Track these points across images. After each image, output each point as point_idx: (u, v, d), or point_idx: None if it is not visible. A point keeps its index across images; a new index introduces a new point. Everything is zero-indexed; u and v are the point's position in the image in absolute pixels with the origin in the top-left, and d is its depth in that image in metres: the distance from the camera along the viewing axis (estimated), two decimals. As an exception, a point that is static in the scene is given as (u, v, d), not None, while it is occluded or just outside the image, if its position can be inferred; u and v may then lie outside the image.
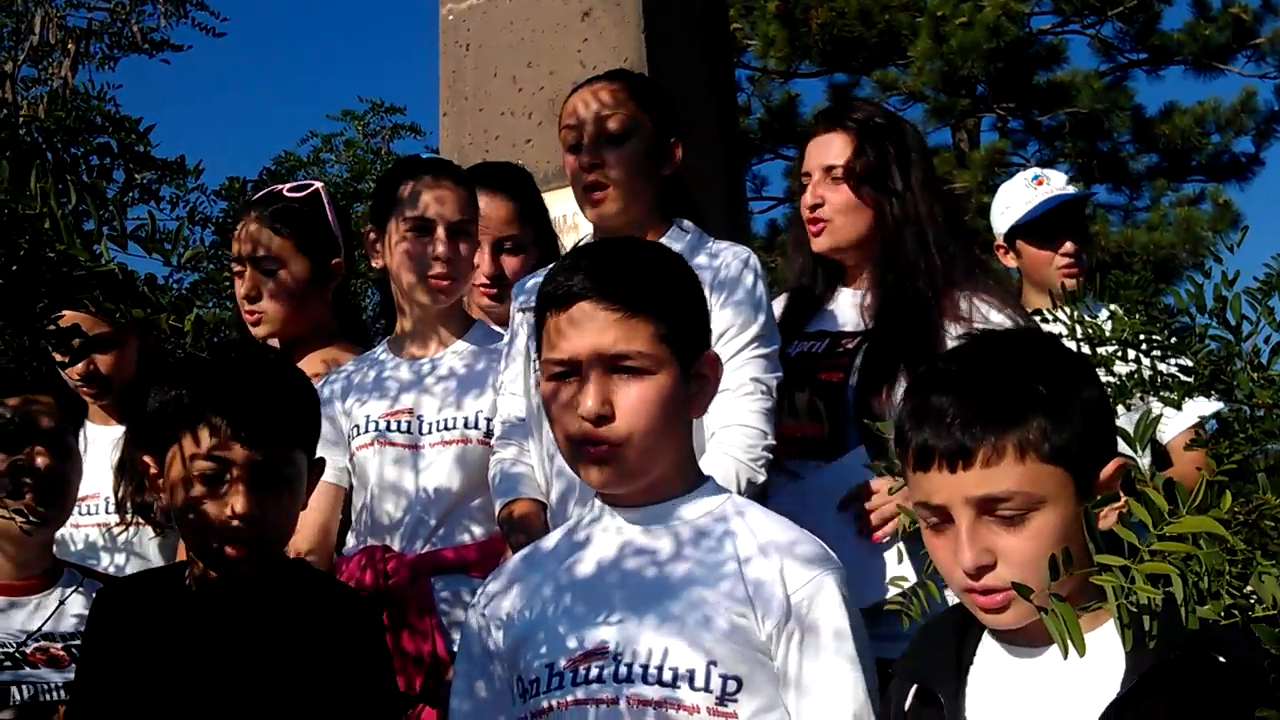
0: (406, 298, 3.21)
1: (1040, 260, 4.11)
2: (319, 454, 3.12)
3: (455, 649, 2.53)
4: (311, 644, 2.27)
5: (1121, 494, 1.72)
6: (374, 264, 3.27)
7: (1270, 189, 33.14)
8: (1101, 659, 1.73)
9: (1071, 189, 4.20)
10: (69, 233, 1.51)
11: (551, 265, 2.41)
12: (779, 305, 3.31)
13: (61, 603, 2.69)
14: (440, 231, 3.10)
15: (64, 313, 1.97)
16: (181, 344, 1.59)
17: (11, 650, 2.66)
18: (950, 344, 2.93)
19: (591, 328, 2.15)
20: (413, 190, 3.13)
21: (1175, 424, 3.58)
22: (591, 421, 2.14)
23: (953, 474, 1.85)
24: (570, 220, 3.86)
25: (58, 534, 3.45)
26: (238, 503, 2.20)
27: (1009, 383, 1.87)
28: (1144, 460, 3.54)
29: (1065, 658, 1.44)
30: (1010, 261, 4.23)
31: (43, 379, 2.60)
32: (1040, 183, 4.19)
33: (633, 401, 2.14)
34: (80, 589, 2.85)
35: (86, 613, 2.58)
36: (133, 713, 2.25)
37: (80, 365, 3.43)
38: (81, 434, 3.37)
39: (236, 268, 3.50)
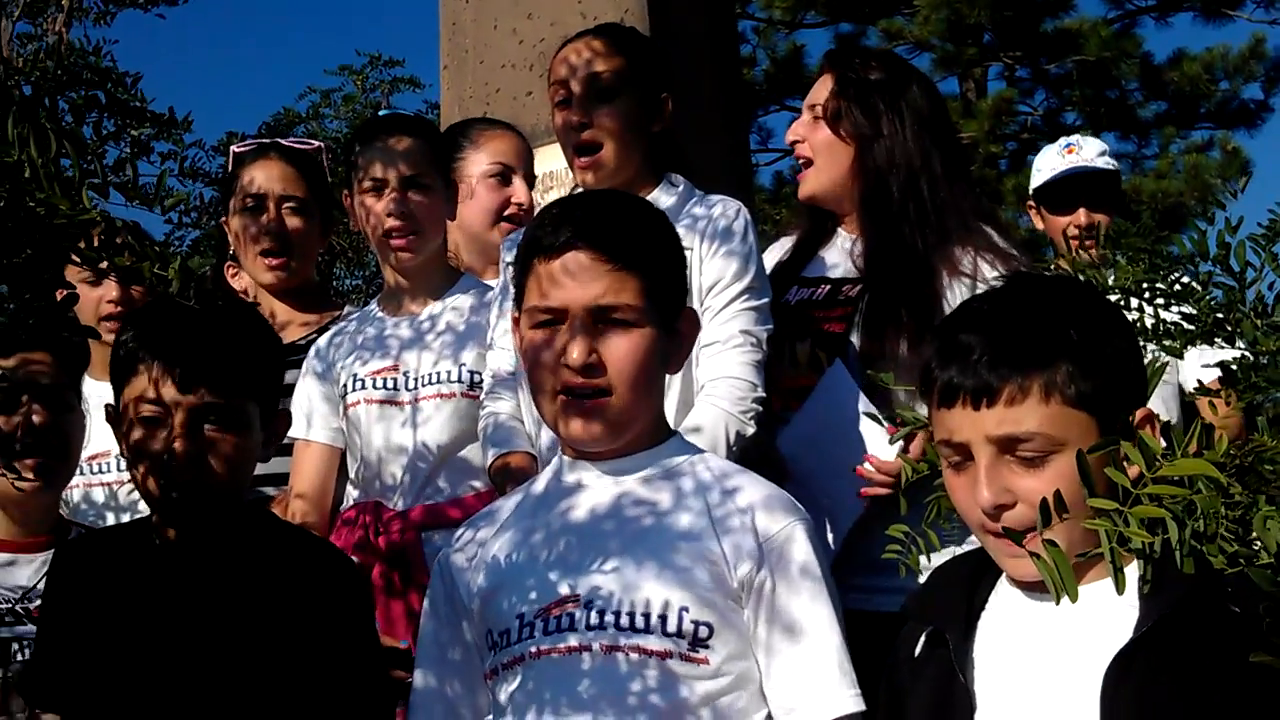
0: (380, 257, 3.24)
1: (1053, 226, 4.18)
2: (312, 412, 3.14)
3: None
4: (279, 599, 2.25)
5: (1121, 440, 1.70)
6: (353, 227, 3.28)
7: (1279, 135, 32.87)
8: (1115, 606, 1.72)
9: (1101, 162, 4.20)
10: (48, 180, 1.49)
11: (536, 215, 2.39)
12: (781, 250, 3.28)
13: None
14: (391, 188, 3.09)
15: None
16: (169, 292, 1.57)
17: (11, 606, 2.66)
18: (952, 300, 2.91)
19: (583, 277, 2.14)
20: (363, 151, 3.14)
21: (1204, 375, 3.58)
22: (580, 372, 2.13)
23: (976, 411, 1.84)
24: (565, 176, 3.84)
25: (72, 494, 3.47)
26: (176, 445, 2.20)
27: (1039, 325, 1.86)
28: (1165, 408, 3.54)
29: (1058, 603, 1.43)
30: (1039, 223, 4.29)
31: (39, 335, 2.57)
32: (1071, 150, 4.23)
33: (620, 353, 2.15)
34: None
35: (43, 573, 2.59)
36: (87, 667, 2.25)
37: (116, 293, 3.43)
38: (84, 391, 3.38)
39: (245, 207, 3.46)
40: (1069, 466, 1.77)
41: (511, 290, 2.97)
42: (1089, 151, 4.22)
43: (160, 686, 2.20)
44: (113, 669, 2.24)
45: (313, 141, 3.73)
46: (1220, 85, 15.58)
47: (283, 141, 3.63)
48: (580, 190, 3.00)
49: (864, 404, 2.84)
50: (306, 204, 3.50)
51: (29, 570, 2.75)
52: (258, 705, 2.20)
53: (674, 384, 2.70)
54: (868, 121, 3.09)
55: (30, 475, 2.65)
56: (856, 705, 2.10)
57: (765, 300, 2.88)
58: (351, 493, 3.17)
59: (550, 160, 4.02)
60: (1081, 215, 4.12)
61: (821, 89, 3.17)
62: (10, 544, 2.77)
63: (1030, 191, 4.31)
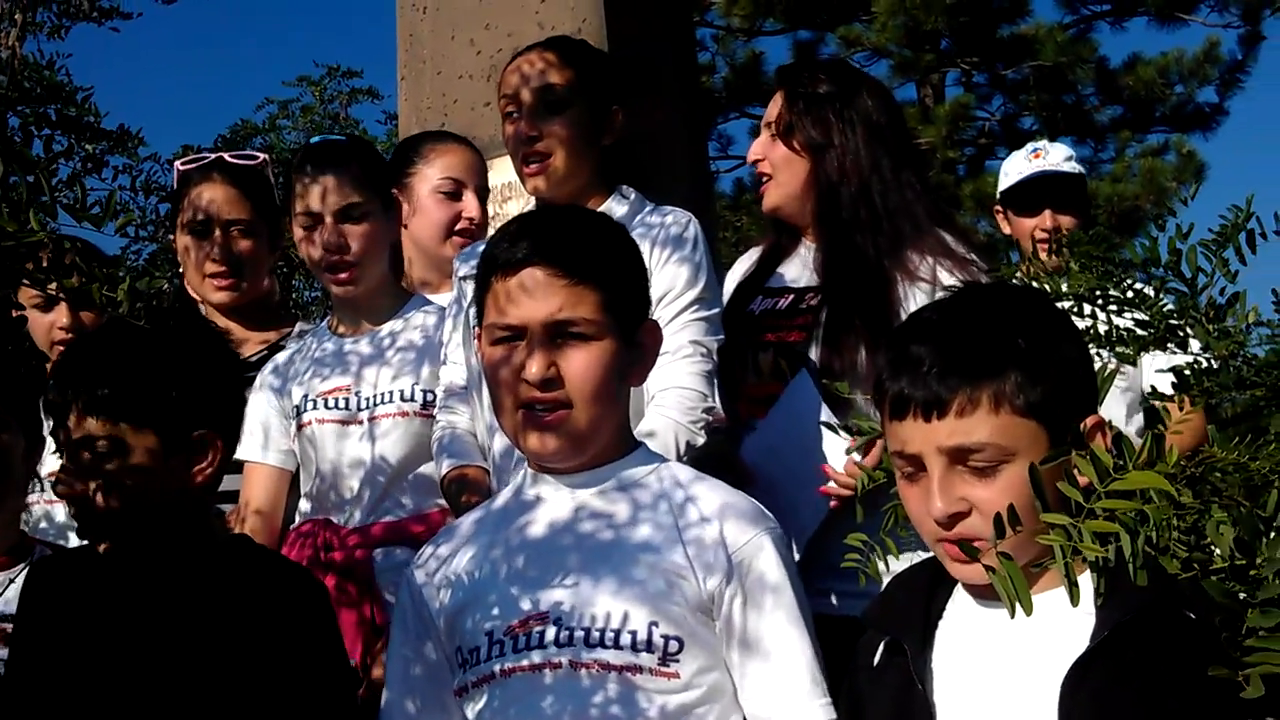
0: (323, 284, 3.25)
1: (1020, 229, 4.25)
2: (263, 432, 3.12)
3: None
4: (239, 616, 2.24)
5: (1073, 450, 1.71)
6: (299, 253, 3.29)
7: (1234, 138, 33.23)
8: (1072, 613, 1.73)
9: (1067, 166, 4.27)
10: (-5, 203, 1.48)
11: (495, 232, 2.40)
12: (748, 261, 3.29)
13: (11, 580, 2.66)
14: (327, 223, 3.10)
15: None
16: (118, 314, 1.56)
17: None
18: (909, 305, 2.92)
19: (539, 293, 2.15)
20: (299, 183, 3.14)
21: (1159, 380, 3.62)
22: (538, 387, 2.13)
23: (927, 423, 1.86)
24: (513, 189, 3.84)
25: (33, 511, 3.43)
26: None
27: (987, 334, 1.87)
28: (1127, 414, 3.57)
29: (1012, 616, 1.44)
30: (1005, 227, 4.35)
31: None
32: (1037, 155, 4.31)
33: (579, 367, 2.16)
34: None
35: (3, 589, 2.64)
36: (54, 688, 2.25)
37: (66, 319, 3.40)
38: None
39: (191, 228, 3.45)
40: (1020, 475, 1.79)
41: (464, 303, 2.99)
42: (1055, 156, 4.29)
43: (122, 706, 2.19)
44: (77, 689, 2.23)
45: (257, 155, 3.71)
46: (1175, 89, 15.69)
47: (227, 158, 3.60)
48: (535, 206, 3.01)
49: (824, 413, 2.86)
50: (253, 224, 3.49)
51: None
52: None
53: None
54: (819, 133, 3.11)
55: None
56: (827, 715, 2.11)
57: (716, 311, 2.89)
58: (304, 507, 3.16)
59: (507, 171, 4.01)
60: (1047, 218, 4.18)
61: (775, 105, 3.20)
62: None
63: (997, 195, 4.37)
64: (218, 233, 3.44)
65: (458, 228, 3.48)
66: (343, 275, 3.12)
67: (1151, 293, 2.28)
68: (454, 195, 3.52)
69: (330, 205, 3.09)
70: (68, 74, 4.13)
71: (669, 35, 4.80)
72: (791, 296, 3.14)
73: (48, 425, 2.89)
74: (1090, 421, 1.86)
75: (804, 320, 3.04)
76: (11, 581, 2.67)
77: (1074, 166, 4.33)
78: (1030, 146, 4.41)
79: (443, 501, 3.02)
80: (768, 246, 3.30)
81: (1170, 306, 2.25)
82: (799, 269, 3.18)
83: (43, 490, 3.41)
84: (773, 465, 2.94)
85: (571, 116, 2.96)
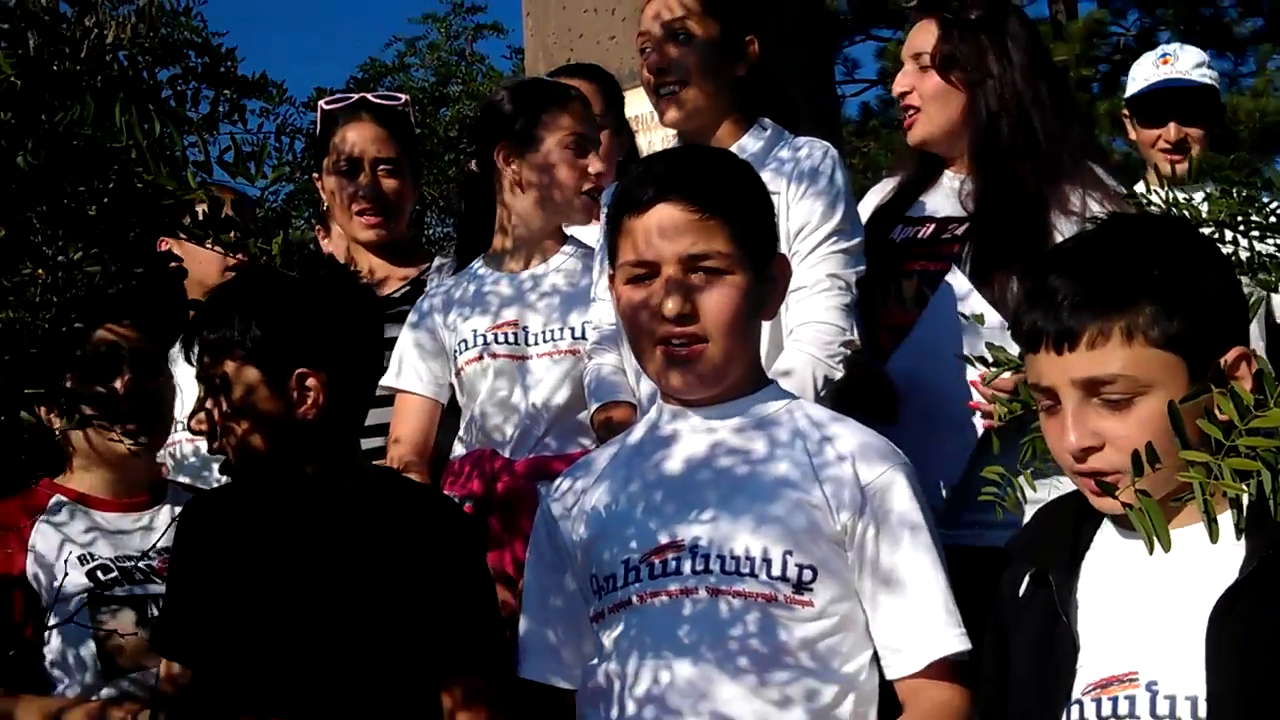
0: (523, 218, 3.25)
1: (1143, 139, 4.12)
2: (415, 365, 3.20)
3: None
4: (390, 548, 2.33)
5: (1212, 387, 1.69)
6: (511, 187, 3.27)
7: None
8: (1216, 547, 1.69)
9: (1197, 74, 4.12)
10: (155, 163, 1.54)
11: (628, 171, 2.43)
12: (881, 192, 3.27)
13: (174, 520, 2.78)
14: (594, 148, 3.17)
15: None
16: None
17: (137, 564, 2.76)
18: (1058, 238, 2.88)
19: (671, 230, 2.19)
20: (570, 108, 3.21)
21: None
22: (674, 321, 2.17)
23: (1059, 356, 1.85)
24: (653, 119, 3.84)
25: (176, 452, 3.57)
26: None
27: (1122, 266, 1.85)
28: (1259, 346, 3.50)
29: (1150, 552, 1.44)
30: (1132, 133, 4.23)
31: (126, 306, 2.66)
32: (1165, 61, 4.16)
33: (714, 300, 2.19)
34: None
35: (167, 527, 2.77)
36: (212, 621, 2.37)
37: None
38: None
39: (340, 169, 3.53)
40: (1156, 409, 1.79)
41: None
42: (1184, 63, 4.14)
43: (278, 636, 2.30)
44: (234, 621, 2.34)
45: (400, 96, 3.77)
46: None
47: (372, 98, 3.67)
48: (675, 140, 3.03)
49: (969, 333, 2.83)
50: (399, 163, 3.56)
51: (137, 531, 2.85)
52: (373, 649, 2.28)
53: (765, 328, 2.72)
54: (977, 64, 3.05)
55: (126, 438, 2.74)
56: (962, 644, 2.14)
57: (855, 242, 2.88)
58: (458, 449, 3.22)
59: (639, 104, 4.02)
60: (1171, 130, 4.05)
61: (923, 36, 3.12)
62: (114, 503, 2.86)
63: (1124, 101, 4.26)
64: (366, 171, 3.51)
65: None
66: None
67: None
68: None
69: (592, 132, 3.22)
70: (203, 20, 4.21)
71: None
72: (934, 226, 3.10)
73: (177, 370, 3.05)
74: (1232, 356, 1.83)
75: (949, 250, 3.00)
76: (173, 520, 2.79)
77: (1205, 74, 4.16)
78: (1160, 51, 4.26)
79: (587, 443, 3.06)
80: (907, 176, 3.26)
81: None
82: (942, 199, 3.13)
83: (184, 430, 3.56)
84: (926, 372, 2.92)
85: (701, 46, 2.97)
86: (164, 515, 2.86)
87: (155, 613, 2.67)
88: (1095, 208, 2.90)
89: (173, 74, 1.87)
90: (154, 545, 2.74)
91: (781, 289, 2.36)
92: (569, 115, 3.19)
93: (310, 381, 2.38)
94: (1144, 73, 4.17)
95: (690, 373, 2.21)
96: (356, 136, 3.52)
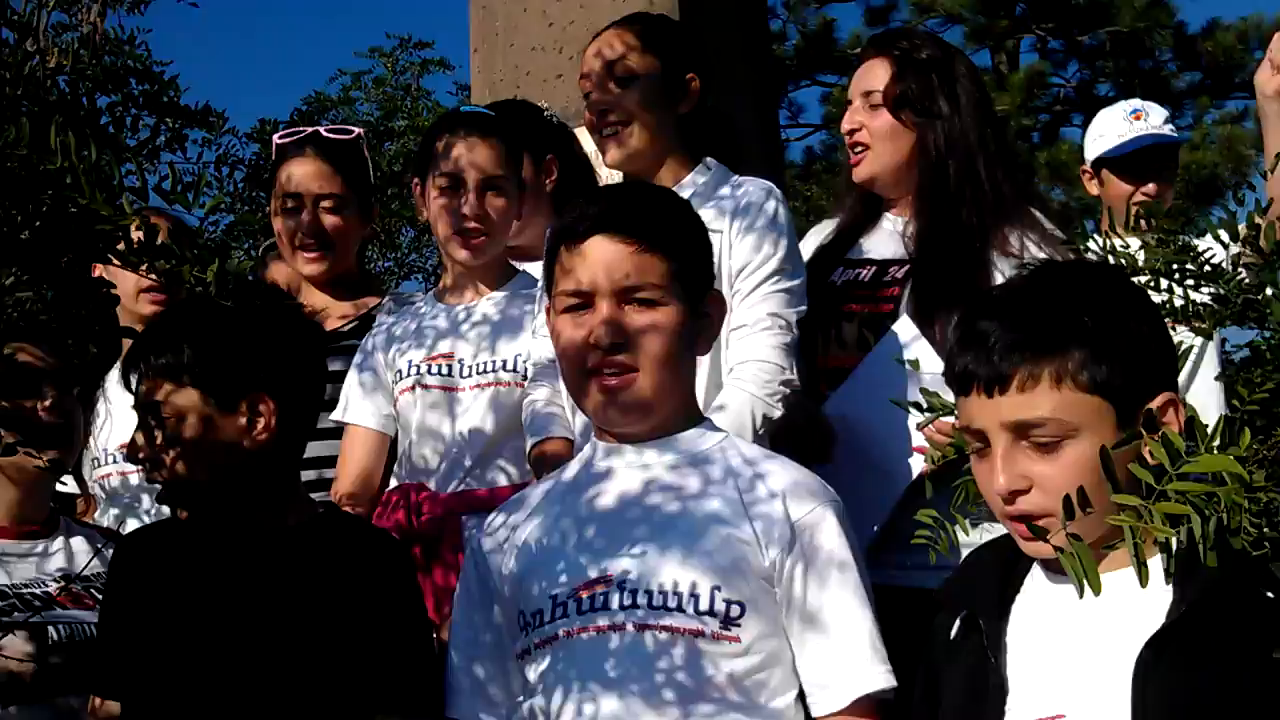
0: (444, 252, 3.26)
1: (1121, 194, 4.09)
2: (360, 397, 3.18)
3: None
4: (329, 582, 2.31)
5: (1143, 432, 1.71)
6: (419, 216, 3.30)
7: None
8: (1145, 592, 1.72)
9: (1168, 129, 4.16)
10: (90, 187, 1.52)
11: (566, 206, 2.44)
12: (823, 232, 3.29)
13: (67, 549, 2.77)
14: (470, 187, 3.11)
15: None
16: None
17: (40, 591, 2.72)
18: (999, 279, 2.90)
19: (606, 259, 2.21)
20: (446, 144, 3.15)
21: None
22: (606, 350, 2.18)
23: (990, 399, 1.87)
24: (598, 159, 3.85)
25: (110, 481, 3.52)
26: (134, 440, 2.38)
27: (1053, 311, 1.88)
28: (1192, 394, 3.53)
29: (1080, 596, 1.45)
30: (1093, 189, 4.23)
31: (50, 329, 2.63)
32: (1138, 117, 4.16)
33: (647, 331, 2.21)
34: (82, 535, 2.93)
35: (91, 557, 2.75)
36: (145, 656, 2.32)
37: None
38: (105, 385, 3.42)
39: (283, 207, 3.51)
40: (1084, 452, 1.81)
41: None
42: (1156, 118, 4.17)
43: (214, 674, 2.26)
44: (167, 657, 2.30)
45: (353, 129, 3.75)
46: (1255, 55, 15.41)
47: (323, 132, 3.65)
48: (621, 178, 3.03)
49: (912, 378, 2.83)
50: (343, 199, 3.53)
51: (34, 557, 2.81)
52: (308, 688, 2.26)
53: (703, 366, 2.72)
54: (928, 104, 3.08)
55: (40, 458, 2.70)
56: (887, 682, 2.15)
57: (797, 281, 2.88)
58: (398, 472, 3.20)
59: (586, 141, 4.02)
60: (1153, 187, 4.05)
61: (874, 74, 3.15)
62: (12, 531, 2.83)
63: (1089, 156, 4.22)
64: (308, 207, 3.49)
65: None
66: (475, 243, 3.13)
67: (1228, 268, 2.27)
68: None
69: (477, 171, 3.12)
70: (147, 49, 4.18)
71: (741, 2, 4.80)
72: (874, 268, 3.12)
73: (103, 399, 2.99)
74: (1160, 401, 1.85)
75: (890, 293, 3.02)
76: (46, 550, 2.77)
77: (1172, 129, 4.21)
78: (1129, 107, 4.25)
79: (514, 472, 3.06)
80: (847, 217, 3.27)
81: (1248, 281, 2.24)
82: (882, 241, 3.16)
83: (115, 462, 3.52)
84: (863, 416, 2.93)
85: (643, 88, 2.98)
86: (58, 545, 2.84)
87: (56, 637, 2.63)
88: (1034, 250, 2.94)
89: (113, 101, 1.86)
90: (79, 573, 2.71)
91: (716, 325, 2.38)
92: (445, 152, 3.15)
93: (262, 407, 2.35)
94: (1116, 129, 4.16)
95: (621, 404, 2.22)
96: (299, 172, 3.51)
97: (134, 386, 2.38)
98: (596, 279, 2.21)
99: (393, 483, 3.20)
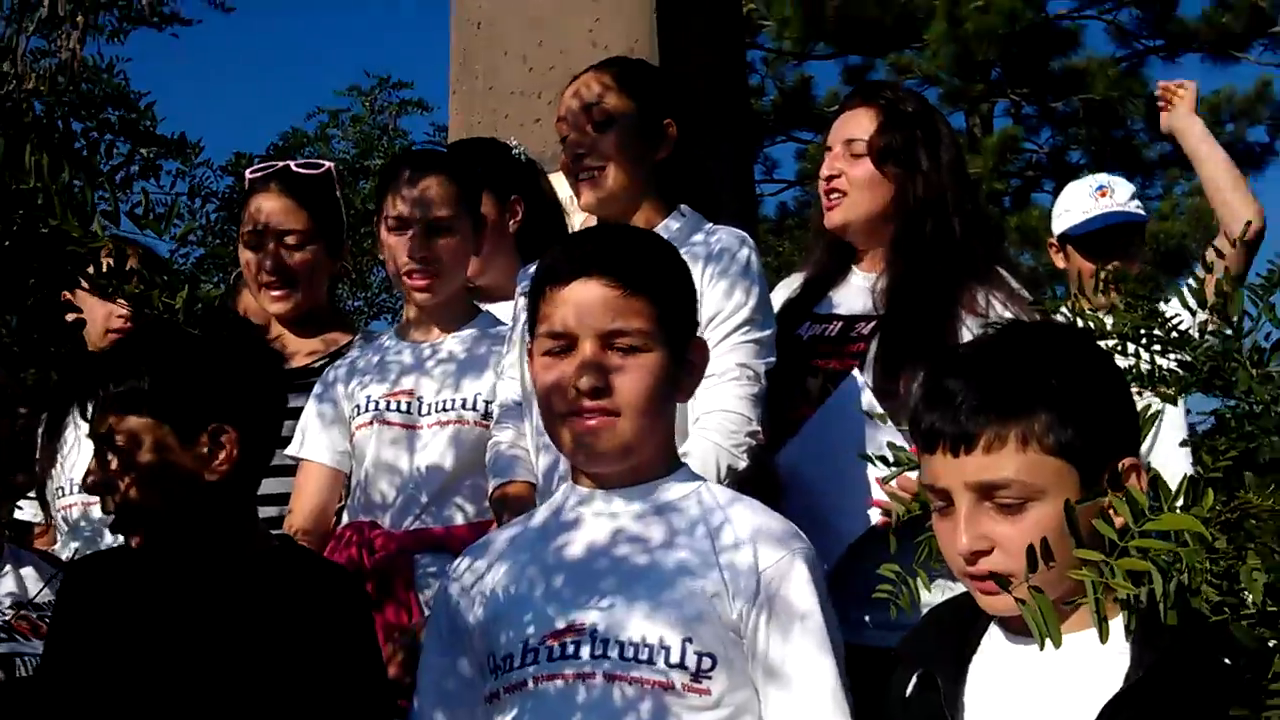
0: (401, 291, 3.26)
1: (1083, 269, 4.08)
2: (317, 433, 3.15)
3: None
4: (284, 618, 2.27)
5: (1108, 490, 1.71)
6: (382, 257, 3.30)
7: (1282, 181, 32.92)
8: (1105, 652, 1.72)
9: (1133, 206, 4.15)
10: (63, 209, 1.52)
11: (553, 246, 2.43)
12: (791, 285, 3.29)
13: (15, 575, 2.73)
14: (415, 230, 3.10)
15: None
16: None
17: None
18: (965, 335, 2.92)
19: (589, 302, 2.19)
20: (394, 186, 3.15)
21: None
22: (588, 395, 2.16)
23: (955, 458, 1.87)
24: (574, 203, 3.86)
25: (71, 512, 3.49)
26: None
27: (1020, 372, 1.88)
28: (1155, 458, 3.54)
29: (1041, 649, 1.45)
30: (1060, 262, 4.23)
31: (12, 352, 2.60)
32: (1104, 194, 4.15)
33: (629, 377, 2.18)
34: (31, 564, 2.88)
35: (43, 585, 2.70)
36: (89, 687, 2.27)
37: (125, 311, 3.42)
38: (74, 413, 3.37)
39: (247, 242, 3.50)
40: (1047, 514, 1.81)
41: (523, 319, 3.01)
42: (1121, 195, 4.15)
43: (160, 704, 2.21)
44: (114, 688, 2.25)
45: (322, 163, 3.73)
46: (1226, 127, 15.62)
47: (293, 166, 3.63)
48: (591, 224, 3.02)
49: (870, 431, 2.84)
50: (307, 234, 3.50)
51: None
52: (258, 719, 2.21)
53: None
54: (909, 156, 3.09)
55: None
56: None
57: (767, 333, 2.87)
58: (351, 509, 3.18)
59: (561, 187, 4.04)
60: (1116, 265, 4.07)
61: (857, 123, 3.15)
62: None
63: (1054, 230, 4.23)
64: (271, 243, 3.47)
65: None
66: (421, 283, 3.13)
67: (1195, 335, 2.29)
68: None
69: (422, 215, 3.11)
70: (125, 78, 4.17)
71: (720, 56, 4.83)
72: (841, 324, 3.12)
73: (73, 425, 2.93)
74: (1126, 463, 1.86)
75: (856, 348, 3.02)
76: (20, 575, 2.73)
77: (1138, 206, 4.19)
78: (1094, 183, 4.24)
79: (471, 511, 3.05)
80: (815, 271, 3.28)
81: (1215, 348, 2.26)
82: (851, 296, 3.16)
83: (78, 492, 3.46)
84: (814, 468, 2.93)
85: (620, 131, 2.98)
86: (6, 571, 2.79)
87: (23, 671, 2.59)
88: (1000, 309, 2.95)
89: (87, 126, 1.85)
90: (32, 599, 2.67)
91: (699, 372, 2.36)
92: (391, 196, 3.15)
93: (224, 438, 2.32)
94: (1081, 204, 4.15)
95: (599, 445, 2.20)
96: (265, 207, 3.48)
97: (89, 414, 2.34)
98: (579, 322, 2.19)
99: (345, 518, 3.18)
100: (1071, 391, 1.86)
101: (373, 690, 2.34)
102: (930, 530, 2.05)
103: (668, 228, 2.95)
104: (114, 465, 2.29)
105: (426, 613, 2.93)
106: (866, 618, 2.73)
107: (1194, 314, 2.32)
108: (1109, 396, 1.91)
